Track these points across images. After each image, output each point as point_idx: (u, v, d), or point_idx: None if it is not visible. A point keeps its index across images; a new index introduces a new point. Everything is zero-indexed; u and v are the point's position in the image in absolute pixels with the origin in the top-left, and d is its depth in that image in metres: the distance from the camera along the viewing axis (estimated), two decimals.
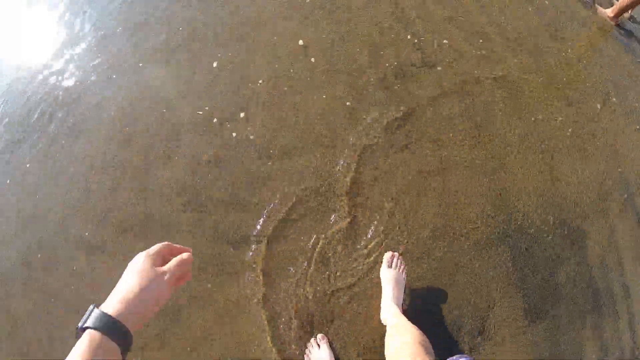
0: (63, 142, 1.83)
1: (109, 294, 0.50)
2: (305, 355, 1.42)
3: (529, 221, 1.60)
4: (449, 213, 1.58)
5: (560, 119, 1.78)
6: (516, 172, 1.66)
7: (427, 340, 1.04)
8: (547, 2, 2.05)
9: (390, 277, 1.45)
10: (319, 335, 1.44)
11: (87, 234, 1.65)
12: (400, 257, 1.50)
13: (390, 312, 1.34)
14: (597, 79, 1.90)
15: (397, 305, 1.38)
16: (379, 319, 1.43)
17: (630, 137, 1.80)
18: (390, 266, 1.48)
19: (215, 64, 1.85)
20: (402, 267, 1.48)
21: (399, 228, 1.56)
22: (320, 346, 1.41)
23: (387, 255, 1.49)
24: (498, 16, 1.98)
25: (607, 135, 1.78)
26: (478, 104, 1.76)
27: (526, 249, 1.56)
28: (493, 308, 1.49)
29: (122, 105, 1.84)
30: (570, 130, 1.76)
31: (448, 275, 1.51)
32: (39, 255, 1.66)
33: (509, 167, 1.66)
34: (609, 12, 2.08)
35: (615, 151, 1.74)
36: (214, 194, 1.63)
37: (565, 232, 1.60)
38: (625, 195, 1.68)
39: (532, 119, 1.76)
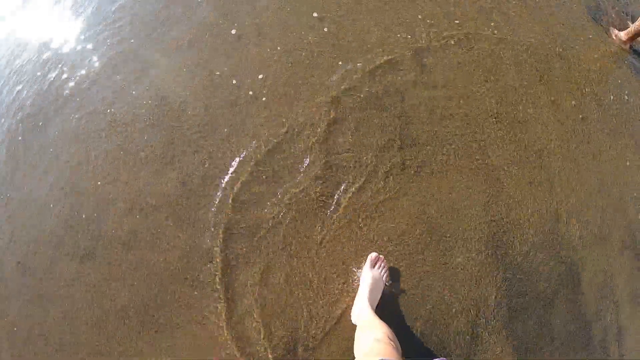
0: None
1: None
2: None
3: (523, 255, 1.53)
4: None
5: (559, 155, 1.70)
6: (515, 204, 1.59)
7: (396, 339, 1.08)
8: (558, 22, 1.96)
9: (369, 276, 1.40)
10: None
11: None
12: (384, 260, 1.44)
13: (363, 311, 1.31)
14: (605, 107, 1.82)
15: (371, 306, 1.33)
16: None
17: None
18: (373, 266, 1.42)
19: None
20: (385, 270, 1.42)
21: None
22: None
23: (372, 255, 1.44)
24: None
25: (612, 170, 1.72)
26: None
27: (519, 280, 1.49)
28: (480, 343, 1.43)
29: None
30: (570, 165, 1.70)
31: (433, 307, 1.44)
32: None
33: (505, 197, 1.59)
34: (623, 35, 2.00)
35: (620, 193, 1.68)
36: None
37: (561, 269, 1.54)
38: (627, 235, 1.62)
39: (525, 147, 1.68)
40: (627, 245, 1.62)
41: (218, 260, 1.44)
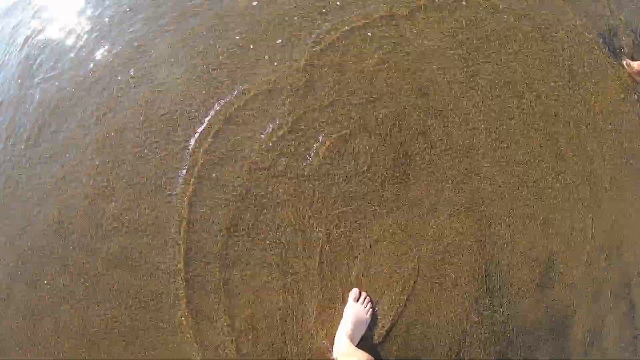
0: None
1: None
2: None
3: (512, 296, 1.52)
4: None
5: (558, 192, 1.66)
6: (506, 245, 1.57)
7: None
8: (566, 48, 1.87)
9: (351, 312, 1.41)
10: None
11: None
12: (368, 296, 1.44)
13: (342, 344, 1.33)
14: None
15: (352, 342, 1.35)
16: None
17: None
18: (356, 301, 1.42)
19: None
20: (369, 305, 1.42)
21: None
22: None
23: (354, 291, 1.45)
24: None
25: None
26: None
27: (505, 321, 1.49)
28: None
29: None
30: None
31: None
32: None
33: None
34: (637, 65, 1.91)
35: (620, 239, 1.63)
36: None
37: (551, 314, 1.52)
38: (622, 285, 1.58)
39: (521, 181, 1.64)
40: (620, 294, 1.59)
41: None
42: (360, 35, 1.70)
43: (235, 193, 1.53)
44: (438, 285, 1.50)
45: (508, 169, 1.63)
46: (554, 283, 1.56)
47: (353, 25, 1.72)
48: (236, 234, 1.50)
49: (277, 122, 1.59)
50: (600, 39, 1.94)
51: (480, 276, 1.52)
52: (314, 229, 1.51)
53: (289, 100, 1.61)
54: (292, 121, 1.60)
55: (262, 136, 1.58)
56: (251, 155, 1.56)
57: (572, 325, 1.54)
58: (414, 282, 1.49)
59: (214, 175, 1.55)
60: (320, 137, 1.59)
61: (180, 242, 1.50)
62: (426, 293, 1.49)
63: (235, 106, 1.61)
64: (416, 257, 1.52)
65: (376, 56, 1.68)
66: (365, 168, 1.57)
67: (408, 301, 1.48)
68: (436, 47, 1.73)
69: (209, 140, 1.58)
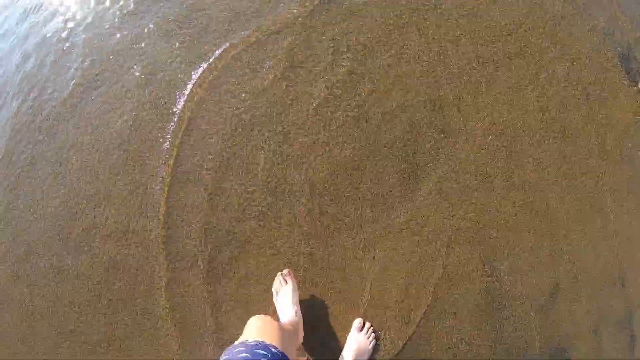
0: None
1: None
2: (273, 291, 1.48)
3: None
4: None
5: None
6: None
7: None
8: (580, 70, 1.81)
9: (354, 341, 1.44)
10: (285, 271, 1.49)
11: None
12: (372, 327, 1.47)
13: None
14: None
15: None
16: None
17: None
18: (359, 331, 1.45)
19: None
20: (372, 337, 1.45)
21: None
22: (287, 281, 1.46)
23: (357, 321, 1.48)
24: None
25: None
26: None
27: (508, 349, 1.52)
28: None
29: None
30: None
31: None
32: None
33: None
34: None
35: (624, 269, 1.63)
36: None
37: (550, 344, 1.55)
38: (624, 316, 1.60)
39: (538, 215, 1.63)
40: (622, 325, 1.61)
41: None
42: None
43: None
44: (443, 315, 1.53)
45: (515, 196, 1.62)
46: (556, 313, 1.58)
47: None
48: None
49: None
50: (617, 59, 1.87)
51: (484, 306, 1.54)
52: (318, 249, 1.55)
53: None
54: None
55: None
56: None
57: (571, 356, 1.57)
58: (422, 312, 1.53)
59: None
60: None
61: None
62: (432, 322, 1.52)
63: None
64: (423, 286, 1.54)
65: None
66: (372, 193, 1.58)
67: (413, 331, 1.52)
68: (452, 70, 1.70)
69: None
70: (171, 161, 1.67)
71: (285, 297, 1.43)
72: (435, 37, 1.74)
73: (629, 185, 1.71)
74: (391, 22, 1.76)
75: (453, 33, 1.74)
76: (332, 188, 1.62)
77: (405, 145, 1.65)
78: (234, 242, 1.60)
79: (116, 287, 1.64)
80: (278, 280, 1.48)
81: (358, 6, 1.77)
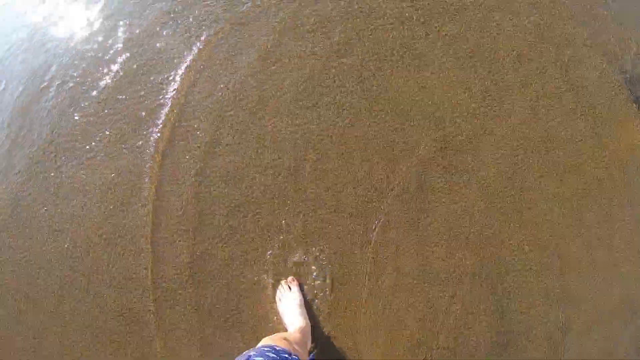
0: None
1: None
2: (276, 299, 1.45)
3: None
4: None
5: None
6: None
7: None
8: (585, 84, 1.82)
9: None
10: (290, 278, 1.46)
11: None
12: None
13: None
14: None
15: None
16: None
17: None
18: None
19: None
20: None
21: None
22: (292, 288, 1.43)
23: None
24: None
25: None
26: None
27: None
28: None
29: None
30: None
31: None
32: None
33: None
34: None
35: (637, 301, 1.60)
36: None
37: None
38: (635, 348, 1.56)
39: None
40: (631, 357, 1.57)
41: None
42: None
43: None
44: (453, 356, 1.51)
45: (524, 231, 1.62)
46: (567, 345, 1.54)
47: None
48: None
49: None
50: (625, 84, 1.89)
51: (494, 347, 1.52)
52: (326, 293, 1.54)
53: None
54: None
55: None
56: None
57: None
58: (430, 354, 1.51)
59: None
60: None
61: None
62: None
63: None
64: (432, 325, 1.53)
65: None
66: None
67: None
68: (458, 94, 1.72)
69: None
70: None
71: (290, 304, 1.40)
72: (441, 77, 1.76)
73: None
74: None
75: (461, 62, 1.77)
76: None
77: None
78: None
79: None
80: (281, 288, 1.46)
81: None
